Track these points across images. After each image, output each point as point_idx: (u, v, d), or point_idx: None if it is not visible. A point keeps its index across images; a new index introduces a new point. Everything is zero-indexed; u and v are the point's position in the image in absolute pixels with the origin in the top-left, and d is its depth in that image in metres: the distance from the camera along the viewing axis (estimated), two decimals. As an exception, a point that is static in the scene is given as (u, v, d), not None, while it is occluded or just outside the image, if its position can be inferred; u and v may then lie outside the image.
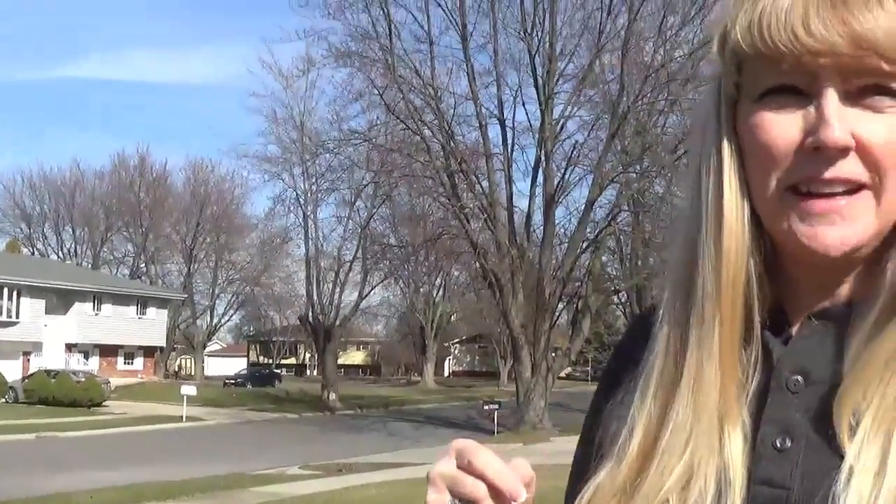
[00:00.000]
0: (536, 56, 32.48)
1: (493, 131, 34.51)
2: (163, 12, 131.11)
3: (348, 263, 51.80)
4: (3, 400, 43.01)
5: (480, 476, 0.82)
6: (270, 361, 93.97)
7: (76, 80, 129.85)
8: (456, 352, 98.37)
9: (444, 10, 33.12)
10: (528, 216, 34.77)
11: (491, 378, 78.05)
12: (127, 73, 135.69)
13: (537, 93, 32.71)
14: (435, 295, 75.34)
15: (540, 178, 33.71)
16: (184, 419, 37.43)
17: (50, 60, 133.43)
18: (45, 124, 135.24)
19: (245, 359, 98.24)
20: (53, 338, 52.67)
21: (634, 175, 32.31)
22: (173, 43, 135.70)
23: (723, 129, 0.90)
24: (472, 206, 33.24)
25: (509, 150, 34.51)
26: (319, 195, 49.25)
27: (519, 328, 32.96)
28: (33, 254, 78.34)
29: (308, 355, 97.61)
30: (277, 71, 46.90)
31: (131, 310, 58.61)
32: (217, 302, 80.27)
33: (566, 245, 34.29)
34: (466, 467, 0.83)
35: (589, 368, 78.44)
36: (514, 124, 34.75)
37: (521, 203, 35.90)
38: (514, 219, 34.56)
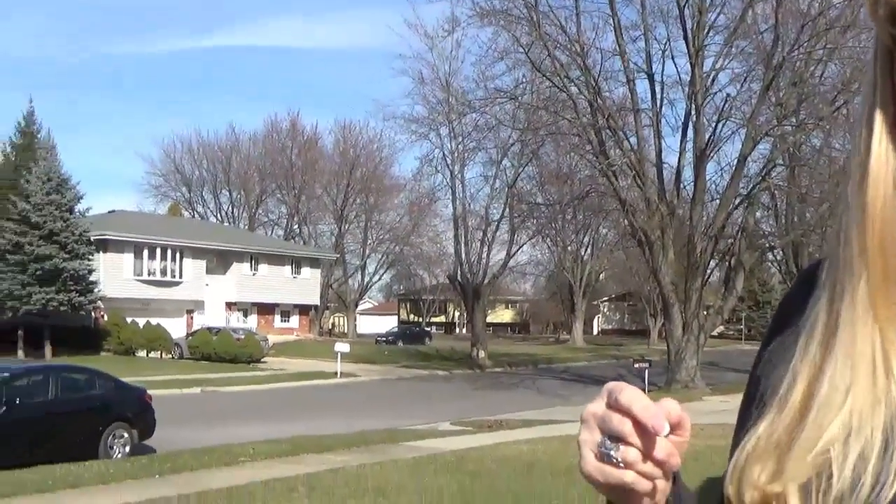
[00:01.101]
0: (686, 8, 31.56)
1: (642, 86, 33.84)
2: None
3: (496, 222, 51.95)
4: (170, 356, 45.12)
5: (626, 412, 0.84)
6: (420, 319, 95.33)
7: (229, 48, 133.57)
8: (605, 310, 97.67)
9: (589, -36, 32.60)
10: (678, 172, 34.07)
11: (641, 336, 77.25)
12: (277, 39, 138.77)
13: (687, 45, 31.84)
14: (583, 253, 74.86)
15: (690, 133, 32.94)
16: (338, 375, 38.47)
17: (204, 31, 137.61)
18: (201, 91, 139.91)
19: (396, 317, 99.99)
20: (214, 297, 54.86)
21: (790, 128, 31.16)
22: (321, 9, 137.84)
23: (877, 80, 0.87)
24: (619, 162, 32.77)
25: (658, 105, 33.82)
26: (466, 155, 49.43)
27: (669, 286, 32.46)
28: (193, 217, 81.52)
29: (457, 313, 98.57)
30: (423, 32, 47.24)
31: (286, 269, 60.39)
32: (368, 261, 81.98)
33: (718, 201, 33.48)
34: (614, 405, 0.85)
35: (742, 327, 76.70)
36: (662, 78, 33.98)
37: (671, 159, 35.15)
38: (664, 175, 33.92)
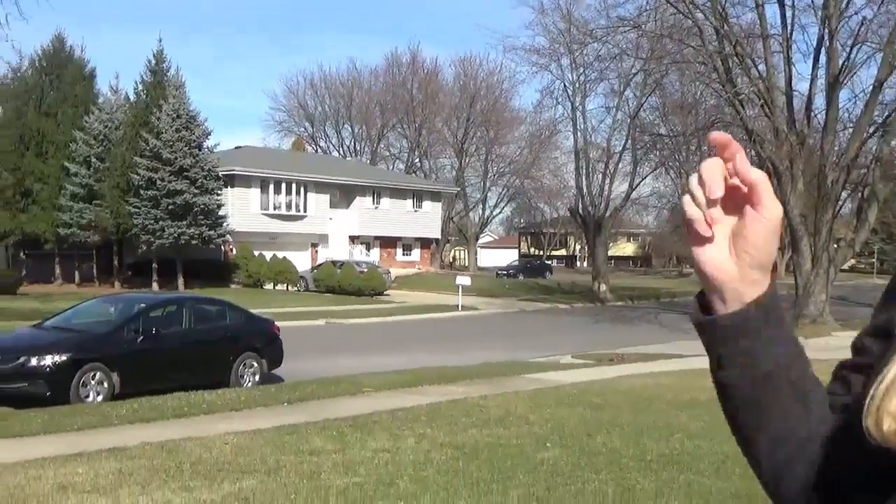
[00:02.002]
0: (819, -73, 30.17)
1: (771, 11, 32.75)
2: None
3: (618, 154, 51.20)
4: (295, 288, 46.23)
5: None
6: (541, 253, 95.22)
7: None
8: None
9: None
10: (809, 100, 32.85)
11: (767, 270, 75.35)
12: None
13: (820, -33, 30.49)
14: (707, 185, 73.05)
15: (822, 59, 31.66)
16: (459, 308, 38.83)
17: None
18: (323, 27, 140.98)
19: (516, 250, 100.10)
20: (338, 230, 55.82)
21: (931, 51, 29.62)
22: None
23: None
24: (747, 91, 31.76)
25: (788, 30, 32.51)
26: (587, 86, 48.76)
27: (798, 218, 31.51)
28: (316, 151, 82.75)
29: (578, 247, 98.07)
30: (544, -40, 46.29)
31: (408, 203, 60.91)
32: (488, 195, 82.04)
33: (850, 130, 32.22)
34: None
35: (875, 260, 74.19)
36: (793, 2, 32.59)
37: (801, 86, 33.98)
38: (794, 104, 32.75)
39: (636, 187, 55.21)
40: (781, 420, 1.03)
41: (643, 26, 35.11)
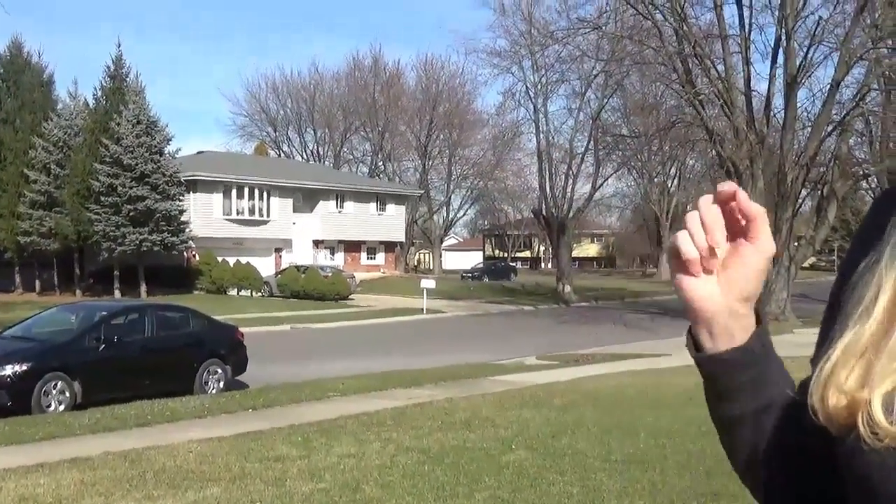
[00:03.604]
0: (776, -73, 30.51)
1: (729, 11, 33.18)
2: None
3: (580, 155, 51.43)
4: (259, 294, 45.99)
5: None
6: (505, 255, 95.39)
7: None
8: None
9: None
10: (768, 100, 33.22)
11: (729, 269, 75.98)
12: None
13: (777, -33, 30.84)
14: (670, 185, 73.86)
15: (780, 59, 32.02)
16: (424, 311, 38.83)
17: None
18: (283, 29, 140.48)
19: (481, 252, 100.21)
20: (301, 235, 55.60)
21: (886, 51, 30.05)
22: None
23: None
24: (707, 91, 32.07)
25: (746, 30, 32.86)
26: (549, 87, 48.93)
27: (759, 217, 31.79)
28: (279, 156, 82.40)
29: (542, 248, 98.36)
30: (505, -39, 46.39)
31: (371, 206, 60.79)
32: (452, 197, 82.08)
33: (809, 129, 32.60)
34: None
35: (835, 258, 75.05)
36: (751, 3, 32.98)
37: (760, 86, 34.37)
38: (753, 103, 33.09)
39: (599, 188, 55.53)
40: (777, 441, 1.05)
41: (603, 28, 35.37)
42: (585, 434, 10.61)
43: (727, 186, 0.99)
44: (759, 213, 0.99)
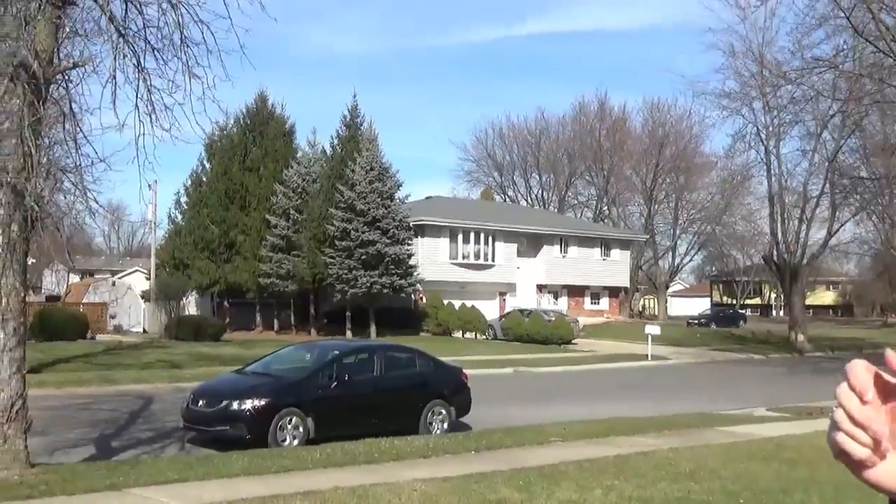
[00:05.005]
0: None
1: (982, 46, 30.83)
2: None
3: (815, 199, 49.29)
4: (483, 337, 46.57)
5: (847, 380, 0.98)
6: (734, 301, 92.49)
7: (538, 35, 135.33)
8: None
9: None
10: None
11: (983, 320, 70.68)
12: (584, 23, 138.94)
13: None
14: (914, 230, 69.50)
15: None
16: (649, 358, 38.13)
17: (513, 20, 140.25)
18: (511, 78, 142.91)
19: (708, 299, 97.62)
20: (525, 279, 55.98)
21: None
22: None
23: None
24: (956, 130, 30.11)
25: None
26: (782, 129, 47.26)
27: None
28: (504, 200, 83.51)
29: (773, 295, 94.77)
30: (734, 2, 45.39)
31: (596, 252, 60.50)
32: (678, 242, 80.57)
33: None
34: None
35: None
36: None
37: None
38: None
39: (835, 233, 52.95)
40: None
41: (841, 66, 33.92)
42: (818, 491, 10.11)
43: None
44: None
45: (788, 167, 50.01)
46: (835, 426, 0.96)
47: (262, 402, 14.80)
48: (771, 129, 47.31)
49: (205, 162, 49.53)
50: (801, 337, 46.80)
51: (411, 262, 45.74)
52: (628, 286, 68.08)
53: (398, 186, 46.10)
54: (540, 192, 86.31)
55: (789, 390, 27.08)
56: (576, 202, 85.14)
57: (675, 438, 15.24)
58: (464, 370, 18.43)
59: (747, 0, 38.44)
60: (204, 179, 49.16)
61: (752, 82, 44.89)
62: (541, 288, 57.38)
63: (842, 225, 55.13)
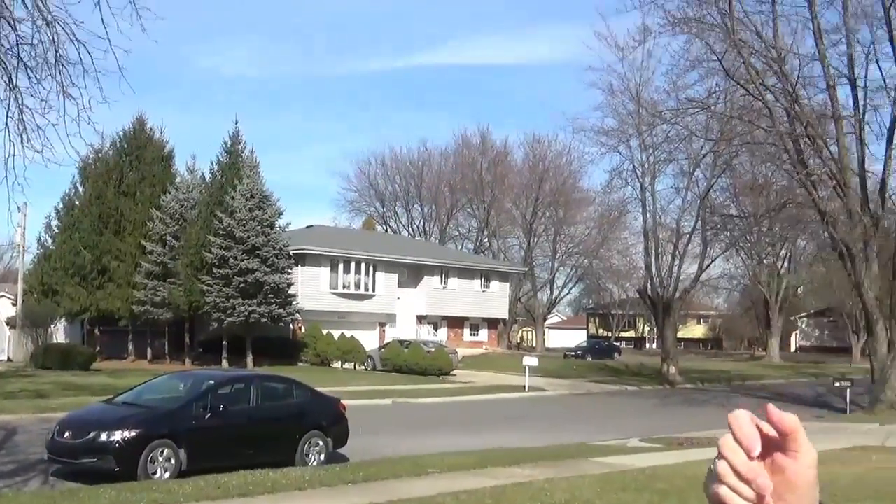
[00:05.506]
0: (892, 8, 29.99)
1: (843, 92, 32.36)
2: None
3: (687, 235, 50.77)
4: (362, 367, 46.27)
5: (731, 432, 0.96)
6: (609, 334, 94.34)
7: (422, 67, 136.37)
8: (803, 326, 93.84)
9: (788, -33, 31.41)
10: (883, 181, 32.33)
11: (841, 354, 73.80)
12: (468, 57, 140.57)
13: (893, 48, 30.22)
14: (780, 266, 72.31)
15: (896, 140, 31.22)
16: (526, 389, 38.46)
17: (399, 52, 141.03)
18: (394, 109, 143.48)
19: (584, 331, 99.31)
20: (405, 310, 55.97)
21: None
22: (509, 26, 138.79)
23: None
24: (819, 172, 31.44)
25: (861, 111, 32.18)
26: (657, 166, 48.61)
27: (873, 301, 30.84)
28: (386, 231, 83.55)
29: (646, 328, 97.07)
30: (613, 43, 46.67)
31: (476, 283, 60.96)
32: (556, 275, 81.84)
33: (927, 211, 31.62)
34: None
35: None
36: (866, 83, 32.30)
37: (875, 167, 33.44)
38: (867, 184, 32.28)
39: (706, 268, 54.64)
40: None
41: (713, 107, 35.11)
42: (690, 521, 10.29)
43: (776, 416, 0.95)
44: (795, 426, 0.93)
45: (663, 203, 51.31)
46: (715, 478, 0.95)
47: (132, 434, 14.35)
48: (647, 166, 48.60)
49: (78, 185, 48.05)
50: (672, 369, 47.95)
51: (291, 291, 45.22)
52: (507, 318, 68.76)
53: (279, 214, 45.61)
54: (422, 223, 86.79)
55: (661, 421, 27.67)
56: (457, 234, 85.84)
57: (551, 469, 15.36)
58: (341, 401, 18.26)
59: (626, 41, 39.56)
60: (77, 203, 47.66)
61: (629, 120, 46.15)
62: (421, 319, 57.46)
63: (712, 261, 57.03)
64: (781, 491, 0.95)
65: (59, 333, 47.55)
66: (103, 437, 14.20)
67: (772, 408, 0.95)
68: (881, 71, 31.78)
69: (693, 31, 33.04)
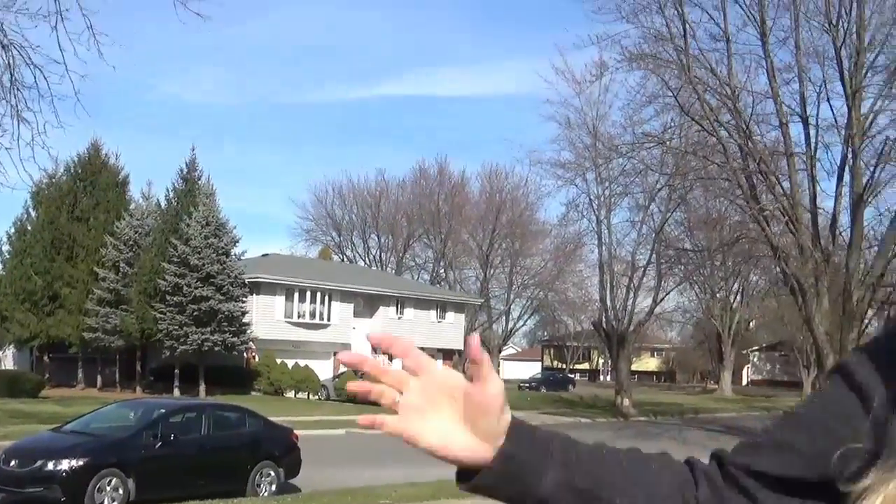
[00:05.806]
0: (842, 48, 30.60)
1: (795, 129, 32.88)
2: (459, 31, 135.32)
3: (642, 268, 51.14)
4: (316, 397, 45.96)
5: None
6: (564, 366, 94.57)
7: (380, 97, 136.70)
8: (755, 360, 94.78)
9: (741, 7, 31.88)
10: (834, 217, 32.85)
11: (793, 388, 74.53)
12: (426, 89, 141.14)
13: (843, 87, 30.81)
14: (732, 300, 73.00)
15: (847, 178, 31.78)
16: (481, 420, 38.33)
17: (358, 82, 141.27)
18: (353, 138, 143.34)
19: (539, 363, 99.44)
20: (361, 340, 55.67)
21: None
22: (469, 59, 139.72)
23: None
24: (771, 208, 31.85)
25: (812, 148, 32.71)
26: (612, 199, 48.99)
27: (824, 336, 31.21)
28: (343, 260, 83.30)
29: (601, 360, 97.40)
30: (571, 77, 47.11)
31: (431, 314, 60.95)
32: (512, 307, 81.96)
33: (876, 248, 32.13)
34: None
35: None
36: (817, 121, 32.87)
37: (826, 204, 33.96)
38: (819, 221, 32.75)
39: (660, 302, 55.01)
40: None
41: (668, 143, 35.53)
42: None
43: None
44: (482, 356, 1.08)
45: (618, 237, 51.64)
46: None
47: (80, 462, 14.13)
48: (602, 199, 48.98)
49: (31, 210, 47.50)
50: (626, 401, 48.12)
51: (245, 319, 44.90)
52: (462, 349, 68.67)
53: (235, 242, 45.36)
54: (378, 253, 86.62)
55: (615, 454, 27.69)
56: (413, 264, 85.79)
57: (505, 501, 15.32)
58: (294, 431, 18.13)
59: (583, 75, 40.01)
60: (29, 228, 47.08)
61: (585, 154, 46.48)
62: (376, 349, 57.05)
63: (667, 294, 57.42)
64: (476, 416, 1.11)
65: (7, 360, 46.80)
66: (50, 465, 13.96)
67: (472, 338, 1.09)
68: (832, 109, 32.41)
69: (649, 68, 33.47)
